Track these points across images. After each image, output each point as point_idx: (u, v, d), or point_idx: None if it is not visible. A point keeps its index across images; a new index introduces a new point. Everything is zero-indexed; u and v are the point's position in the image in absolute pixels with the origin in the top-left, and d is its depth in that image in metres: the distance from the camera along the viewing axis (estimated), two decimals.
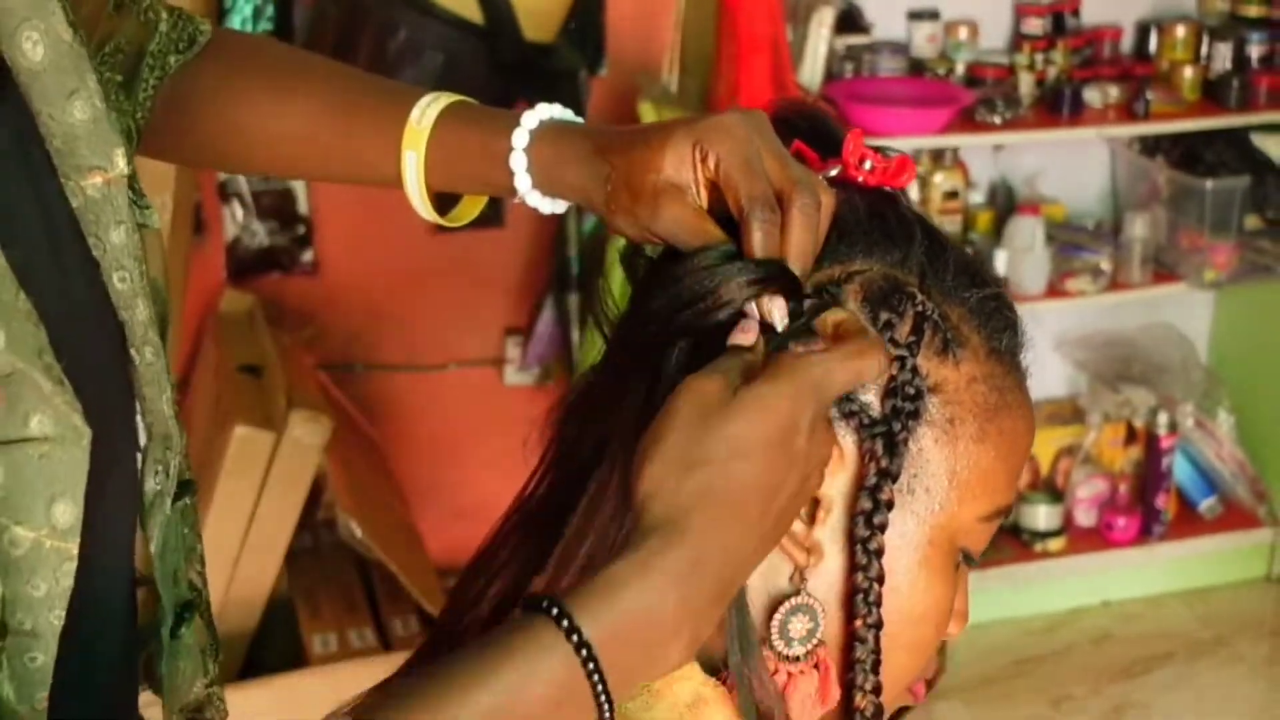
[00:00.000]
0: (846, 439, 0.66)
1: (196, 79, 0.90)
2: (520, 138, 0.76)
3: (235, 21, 2.41)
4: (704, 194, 0.69)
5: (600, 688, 0.58)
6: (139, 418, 0.76)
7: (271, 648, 2.22)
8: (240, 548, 2.15)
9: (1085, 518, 3.01)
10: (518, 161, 0.76)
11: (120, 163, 0.71)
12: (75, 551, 0.64)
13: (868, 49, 2.73)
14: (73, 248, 0.70)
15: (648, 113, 2.37)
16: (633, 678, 0.60)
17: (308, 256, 2.66)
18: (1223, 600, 3.04)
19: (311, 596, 2.32)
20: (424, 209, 0.84)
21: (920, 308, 0.67)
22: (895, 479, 0.65)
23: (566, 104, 0.79)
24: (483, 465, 2.54)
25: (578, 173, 0.74)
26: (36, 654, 0.64)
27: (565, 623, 0.57)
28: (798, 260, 0.65)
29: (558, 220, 2.63)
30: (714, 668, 0.67)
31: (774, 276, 0.65)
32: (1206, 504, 3.05)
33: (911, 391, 0.66)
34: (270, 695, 2.04)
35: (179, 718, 0.87)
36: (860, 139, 0.71)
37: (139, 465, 0.77)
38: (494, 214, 2.72)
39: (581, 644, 0.57)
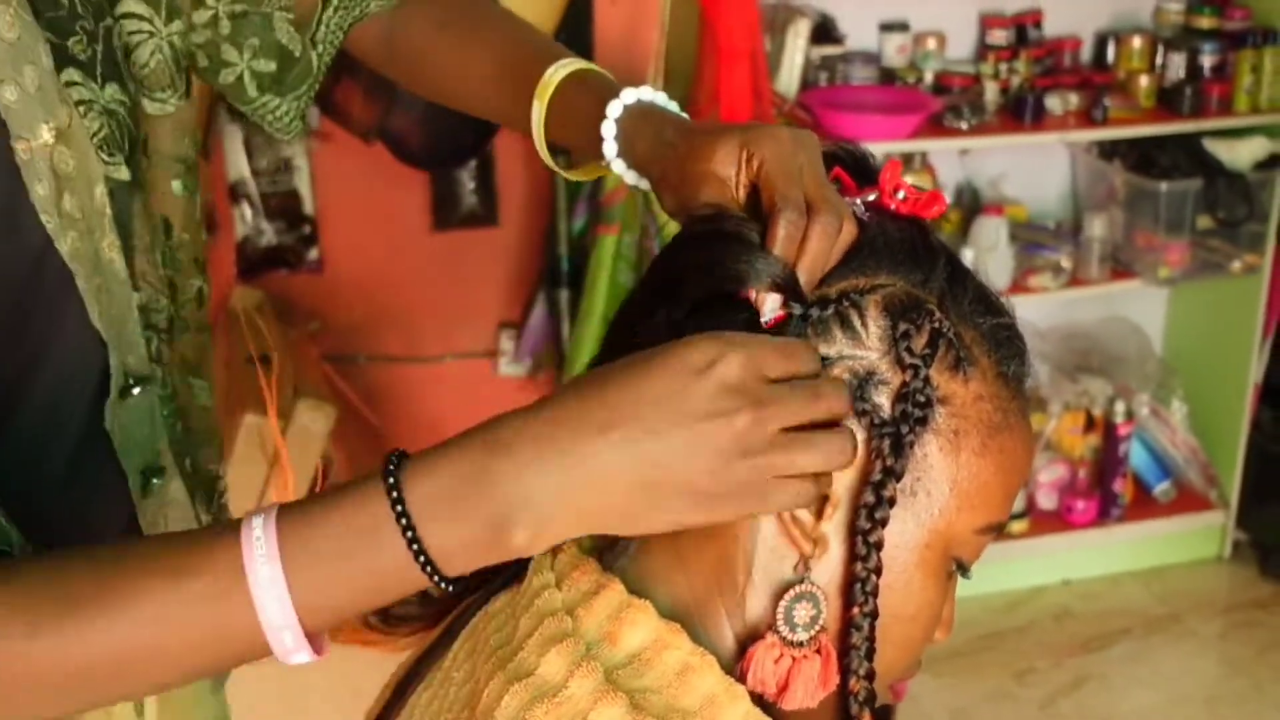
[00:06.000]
0: (857, 437, 0.68)
1: (408, 27, 1.07)
2: (615, 108, 0.87)
3: None
4: (742, 193, 0.73)
5: (405, 524, 0.61)
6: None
7: None
8: None
9: (1046, 501, 3.06)
10: (608, 129, 0.87)
11: (45, 136, 0.82)
12: None
13: (841, 59, 2.78)
14: (24, 199, 0.83)
15: None
16: (462, 540, 0.62)
17: (313, 255, 2.69)
18: (1177, 579, 3.08)
19: None
20: (544, 156, 0.96)
21: (937, 324, 0.69)
22: (899, 478, 0.68)
23: None
24: None
25: (647, 144, 0.84)
26: None
27: (390, 478, 0.62)
28: (807, 268, 0.68)
29: (549, 220, 2.69)
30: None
31: (783, 275, 0.68)
32: (1161, 488, 3.10)
33: (922, 399, 0.68)
34: (272, 670, 2.10)
35: None
36: (898, 170, 0.74)
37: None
38: (488, 214, 2.75)
39: (398, 498, 0.61)
